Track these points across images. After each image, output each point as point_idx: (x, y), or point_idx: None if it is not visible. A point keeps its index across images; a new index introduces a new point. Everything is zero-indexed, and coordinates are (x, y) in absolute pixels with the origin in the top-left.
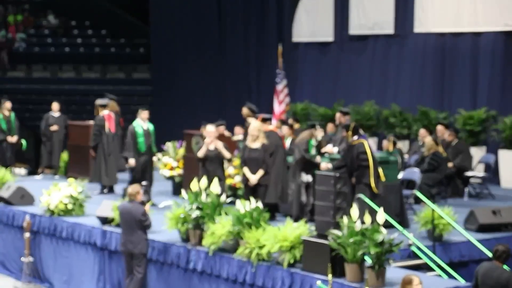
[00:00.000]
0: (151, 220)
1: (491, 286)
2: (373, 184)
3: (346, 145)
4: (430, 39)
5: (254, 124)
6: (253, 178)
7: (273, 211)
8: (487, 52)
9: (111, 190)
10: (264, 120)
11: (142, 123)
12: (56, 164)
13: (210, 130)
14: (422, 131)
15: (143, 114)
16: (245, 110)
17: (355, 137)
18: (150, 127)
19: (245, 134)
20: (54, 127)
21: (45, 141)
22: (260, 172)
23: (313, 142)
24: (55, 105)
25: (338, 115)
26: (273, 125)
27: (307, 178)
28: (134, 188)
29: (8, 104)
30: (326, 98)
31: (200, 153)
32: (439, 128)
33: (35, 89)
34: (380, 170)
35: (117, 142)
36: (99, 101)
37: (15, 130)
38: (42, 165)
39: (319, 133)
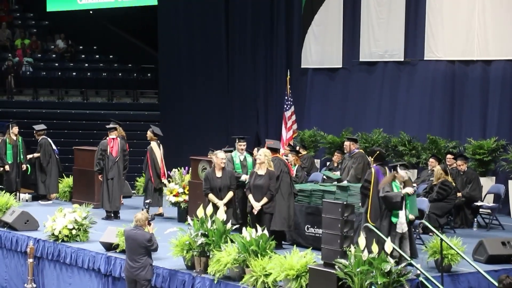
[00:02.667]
0: (157, 242)
1: None
2: (368, 215)
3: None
4: (440, 66)
5: (261, 150)
6: (257, 205)
7: (280, 239)
8: (497, 80)
9: (116, 216)
10: (271, 150)
11: (239, 154)
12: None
13: (221, 156)
14: (432, 160)
15: (238, 145)
16: (149, 133)
17: (373, 165)
18: (249, 159)
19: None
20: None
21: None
22: (264, 200)
23: (397, 184)
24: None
25: (347, 143)
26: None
27: (401, 227)
28: (143, 214)
29: (15, 129)
30: (334, 125)
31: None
32: (449, 157)
33: (41, 113)
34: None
35: (121, 166)
36: (109, 125)
37: (23, 155)
38: (50, 192)
39: (403, 173)
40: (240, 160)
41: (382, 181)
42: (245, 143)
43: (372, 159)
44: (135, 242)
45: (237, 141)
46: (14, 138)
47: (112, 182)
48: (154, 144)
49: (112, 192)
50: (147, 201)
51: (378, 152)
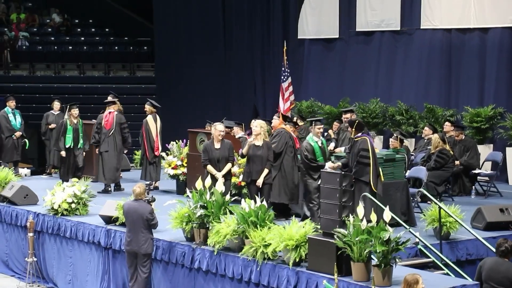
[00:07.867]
0: (157, 219)
1: (498, 281)
2: (372, 183)
3: (349, 141)
4: (437, 35)
5: (256, 121)
6: (259, 181)
7: (285, 212)
8: (494, 48)
9: (118, 187)
10: (285, 119)
11: (316, 139)
12: (55, 163)
13: (220, 128)
14: (427, 129)
15: (317, 128)
16: (147, 107)
17: (359, 134)
18: (325, 142)
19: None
20: (52, 125)
21: (45, 140)
22: (265, 171)
23: None
24: (56, 104)
25: (348, 115)
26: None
27: None
28: (141, 187)
29: (75, 111)
30: (331, 95)
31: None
32: (446, 124)
33: (38, 87)
34: (380, 169)
35: (118, 139)
36: (108, 98)
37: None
38: (49, 165)
39: None
40: (319, 146)
41: None
42: (322, 125)
43: (353, 129)
44: (137, 213)
45: (313, 124)
46: (75, 121)
47: (106, 154)
48: (149, 118)
49: (107, 165)
50: (147, 183)
51: (357, 121)
